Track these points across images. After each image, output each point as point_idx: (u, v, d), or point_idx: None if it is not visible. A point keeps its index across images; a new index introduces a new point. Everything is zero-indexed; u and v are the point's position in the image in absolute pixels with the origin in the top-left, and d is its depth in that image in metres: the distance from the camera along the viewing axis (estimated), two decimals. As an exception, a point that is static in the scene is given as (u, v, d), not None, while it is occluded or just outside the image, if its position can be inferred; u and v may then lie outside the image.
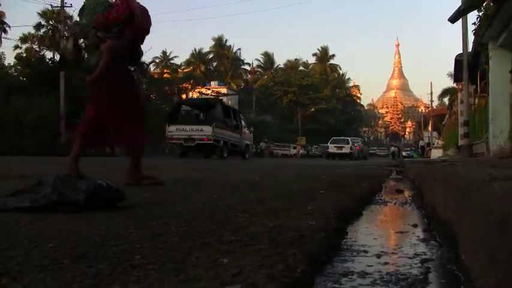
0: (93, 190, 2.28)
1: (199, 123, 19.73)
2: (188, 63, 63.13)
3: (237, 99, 59.04)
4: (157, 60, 57.35)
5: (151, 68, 45.39)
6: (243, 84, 66.37)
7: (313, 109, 63.26)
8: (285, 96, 62.85)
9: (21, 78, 29.85)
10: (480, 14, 11.34)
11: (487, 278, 1.02)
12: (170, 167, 8.55)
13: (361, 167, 11.72)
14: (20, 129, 20.32)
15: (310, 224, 1.92)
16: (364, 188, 4.32)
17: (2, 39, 41.51)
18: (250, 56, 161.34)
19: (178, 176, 5.49)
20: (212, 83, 59.28)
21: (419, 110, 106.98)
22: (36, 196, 2.23)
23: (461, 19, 12.15)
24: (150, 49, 25.83)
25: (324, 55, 75.03)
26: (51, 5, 32.06)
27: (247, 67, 69.98)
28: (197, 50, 64.49)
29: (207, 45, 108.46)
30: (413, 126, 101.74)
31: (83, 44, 3.83)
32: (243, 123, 22.16)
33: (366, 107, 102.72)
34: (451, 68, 23.79)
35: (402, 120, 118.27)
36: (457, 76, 19.37)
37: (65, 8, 26.92)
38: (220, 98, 26.74)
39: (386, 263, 1.51)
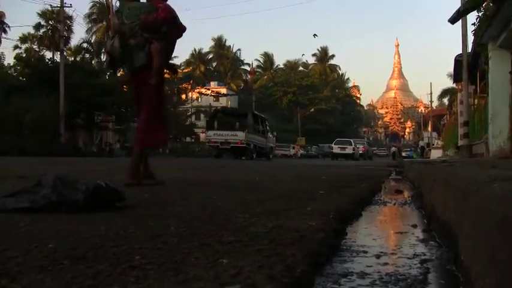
0: (92, 190, 2.27)
1: (234, 129, 23.46)
2: (188, 63, 63.01)
3: (236, 100, 59.12)
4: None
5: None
6: (242, 84, 66.30)
7: (312, 109, 63.23)
8: (284, 97, 62.83)
9: (20, 78, 29.85)
10: (480, 14, 11.32)
11: (487, 279, 1.02)
12: (170, 167, 8.55)
13: (361, 168, 11.72)
14: (19, 129, 20.34)
15: (310, 225, 1.92)
16: (364, 188, 4.32)
17: (2, 39, 41.58)
18: (250, 56, 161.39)
19: (178, 176, 5.50)
20: (212, 83, 59.33)
21: (419, 111, 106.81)
22: (35, 197, 2.22)
23: (460, 20, 12.14)
24: None
25: (323, 55, 74.95)
26: (50, 5, 32.22)
27: (247, 67, 69.93)
28: (197, 50, 64.50)
29: (206, 45, 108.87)
30: (413, 127, 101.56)
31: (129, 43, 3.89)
32: (267, 128, 26.01)
33: (365, 108, 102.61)
34: (450, 68, 23.81)
35: (402, 120, 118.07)
36: (456, 76, 19.39)
37: (64, 8, 26.96)
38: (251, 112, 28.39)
39: (385, 264, 1.52)
